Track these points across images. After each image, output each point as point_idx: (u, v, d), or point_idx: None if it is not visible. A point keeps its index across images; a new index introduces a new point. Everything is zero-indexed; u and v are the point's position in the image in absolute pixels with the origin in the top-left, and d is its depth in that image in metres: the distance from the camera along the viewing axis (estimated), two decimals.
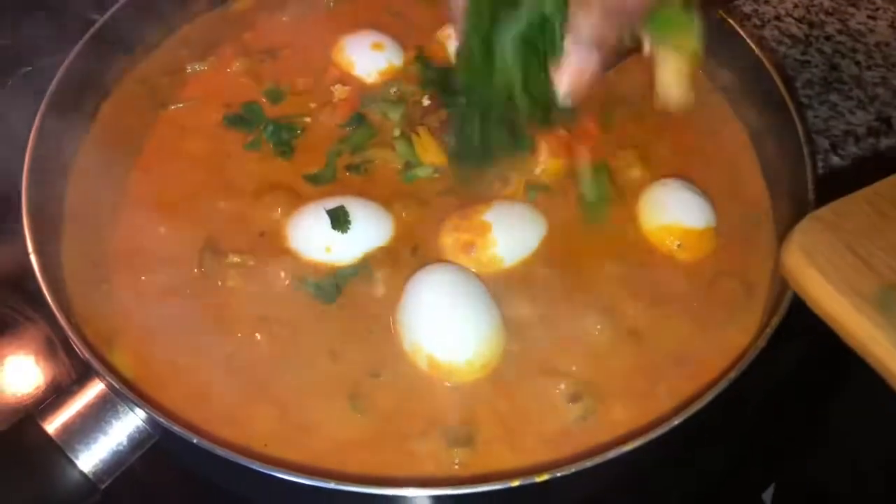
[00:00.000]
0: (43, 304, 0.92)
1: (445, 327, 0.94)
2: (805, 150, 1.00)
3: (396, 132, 1.17)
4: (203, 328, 0.98)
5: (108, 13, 1.17)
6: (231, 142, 1.16)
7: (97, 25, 1.16)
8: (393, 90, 1.21)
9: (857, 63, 1.48)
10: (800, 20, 1.57)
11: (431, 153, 1.11)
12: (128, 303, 1.00)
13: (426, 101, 1.20)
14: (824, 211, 0.82)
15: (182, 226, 1.06)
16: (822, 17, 1.57)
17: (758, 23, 1.56)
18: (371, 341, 0.97)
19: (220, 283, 1.02)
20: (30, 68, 1.40)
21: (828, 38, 1.54)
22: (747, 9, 1.58)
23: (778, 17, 1.58)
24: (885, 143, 1.37)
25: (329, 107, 1.19)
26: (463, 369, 0.93)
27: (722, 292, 1.02)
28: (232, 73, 1.25)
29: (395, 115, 1.19)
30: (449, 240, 1.05)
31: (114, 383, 0.87)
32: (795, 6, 1.59)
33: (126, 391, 0.86)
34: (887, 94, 1.44)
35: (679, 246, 1.04)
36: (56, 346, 1.09)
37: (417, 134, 1.13)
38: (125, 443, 0.87)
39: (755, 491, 1.14)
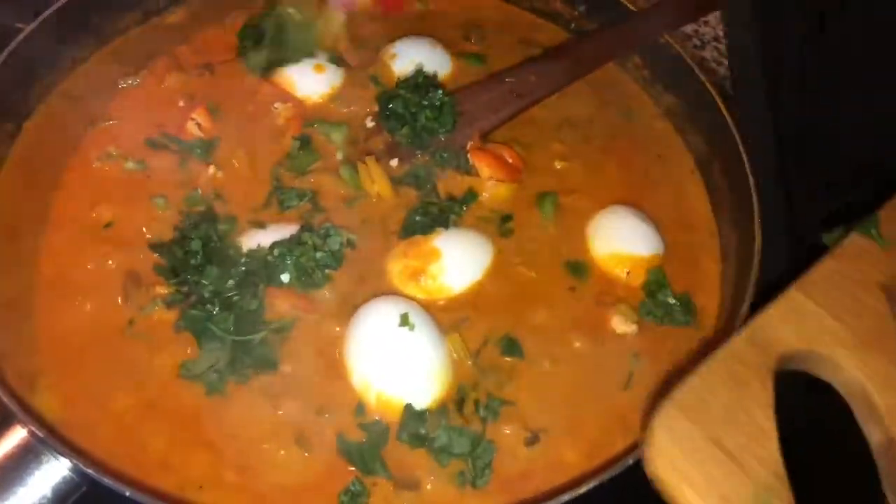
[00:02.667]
0: None
1: (392, 363, 0.92)
2: (750, 179, 1.00)
3: (339, 155, 1.13)
4: (131, 365, 0.93)
5: (31, 26, 1.10)
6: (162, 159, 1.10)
7: (18, 39, 1.08)
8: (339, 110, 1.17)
9: None
10: None
11: (378, 183, 1.08)
12: (52, 338, 0.94)
13: (370, 123, 1.17)
14: (683, 394, 0.71)
15: (106, 253, 1.01)
16: None
17: (698, 43, 1.58)
18: (317, 377, 0.93)
19: (146, 313, 0.96)
20: None
21: None
22: (688, 29, 1.60)
23: (717, 38, 1.60)
24: None
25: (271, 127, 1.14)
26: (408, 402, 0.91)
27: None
28: (166, 88, 1.19)
29: (337, 137, 1.15)
30: (397, 267, 1.02)
31: (37, 431, 0.81)
32: None
33: (51, 439, 0.80)
34: None
35: (628, 273, 1.04)
36: None
37: (363, 162, 1.09)
38: (49, 495, 0.81)
39: None
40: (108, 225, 1.03)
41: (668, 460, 0.68)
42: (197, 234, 1.00)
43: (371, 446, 0.88)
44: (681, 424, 0.70)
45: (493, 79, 1.20)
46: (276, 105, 1.17)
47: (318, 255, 0.98)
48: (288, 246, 0.98)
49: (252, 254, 0.99)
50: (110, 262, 1.00)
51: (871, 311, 0.81)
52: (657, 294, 1.01)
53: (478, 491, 0.86)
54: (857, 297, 0.82)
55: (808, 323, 0.79)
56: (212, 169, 1.09)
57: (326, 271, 0.99)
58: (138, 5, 1.25)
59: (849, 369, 0.78)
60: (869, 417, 0.77)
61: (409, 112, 1.13)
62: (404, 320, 0.93)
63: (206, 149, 1.12)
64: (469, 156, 1.12)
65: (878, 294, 0.82)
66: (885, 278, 0.84)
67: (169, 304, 0.96)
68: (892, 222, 0.88)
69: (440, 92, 1.13)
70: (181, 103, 1.17)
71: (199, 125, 1.13)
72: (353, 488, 0.85)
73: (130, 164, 1.10)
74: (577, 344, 0.98)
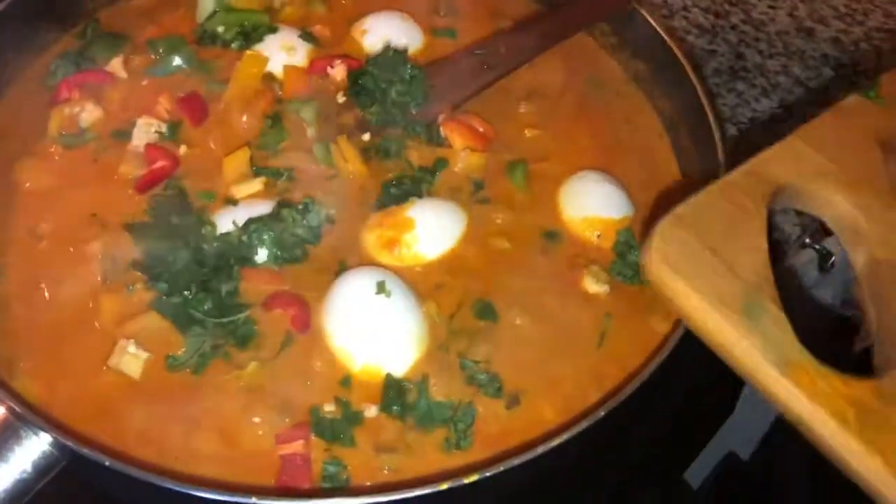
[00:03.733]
0: None
1: (369, 333, 0.93)
2: (716, 136, 1.02)
3: (311, 132, 1.14)
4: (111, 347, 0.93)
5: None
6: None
7: None
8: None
9: (760, 52, 1.53)
10: (706, 10, 1.61)
11: (351, 162, 1.09)
12: (29, 323, 0.95)
13: (340, 99, 1.18)
14: (684, 209, 0.79)
15: (82, 229, 1.01)
16: (727, 7, 1.62)
17: (666, 13, 1.59)
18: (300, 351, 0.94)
19: (128, 291, 0.97)
20: None
21: (733, 27, 1.58)
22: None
23: (685, 8, 1.61)
24: (787, 130, 1.42)
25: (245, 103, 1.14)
26: (388, 370, 0.92)
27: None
28: (133, 72, 1.19)
29: (307, 114, 1.15)
30: (372, 237, 1.03)
31: (15, 407, 0.81)
32: None
33: (30, 415, 0.81)
34: (788, 81, 1.49)
35: (599, 236, 1.05)
36: None
37: (335, 142, 1.10)
38: (29, 469, 0.81)
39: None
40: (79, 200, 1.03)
41: (667, 263, 0.75)
42: (165, 213, 1.01)
43: (345, 421, 0.89)
44: (680, 233, 0.77)
45: (463, 52, 1.21)
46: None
47: (299, 230, 0.98)
48: (266, 222, 0.98)
49: (224, 237, 0.99)
50: (86, 244, 1.00)
51: (865, 157, 0.89)
52: (627, 255, 1.03)
53: (460, 451, 0.88)
54: (853, 146, 0.89)
55: (804, 163, 0.87)
56: (183, 148, 1.09)
57: (305, 247, 1.00)
58: None
59: (840, 203, 0.86)
60: (857, 244, 0.86)
61: (379, 88, 1.14)
62: (380, 288, 0.94)
63: (175, 130, 1.12)
64: (441, 128, 1.13)
65: (874, 146, 0.89)
66: (881, 133, 0.91)
67: (148, 287, 0.96)
68: (893, 84, 0.94)
69: (409, 66, 1.14)
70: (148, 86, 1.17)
71: (166, 109, 1.14)
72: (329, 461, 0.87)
73: (98, 147, 1.10)
74: (550, 305, 0.99)
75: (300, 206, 1.01)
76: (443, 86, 1.16)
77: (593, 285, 1.01)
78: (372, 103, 1.14)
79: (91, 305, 0.96)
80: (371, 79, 1.14)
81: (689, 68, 1.13)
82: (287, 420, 0.89)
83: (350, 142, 1.11)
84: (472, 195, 1.09)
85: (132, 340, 0.92)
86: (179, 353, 0.92)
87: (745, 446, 1.43)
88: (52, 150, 1.10)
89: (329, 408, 0.90)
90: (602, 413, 0.81)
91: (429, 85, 1.14)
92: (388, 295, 0.94)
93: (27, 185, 1.06)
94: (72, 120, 1.12)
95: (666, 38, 1.15)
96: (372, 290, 0.94)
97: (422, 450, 0.88)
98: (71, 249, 1.00)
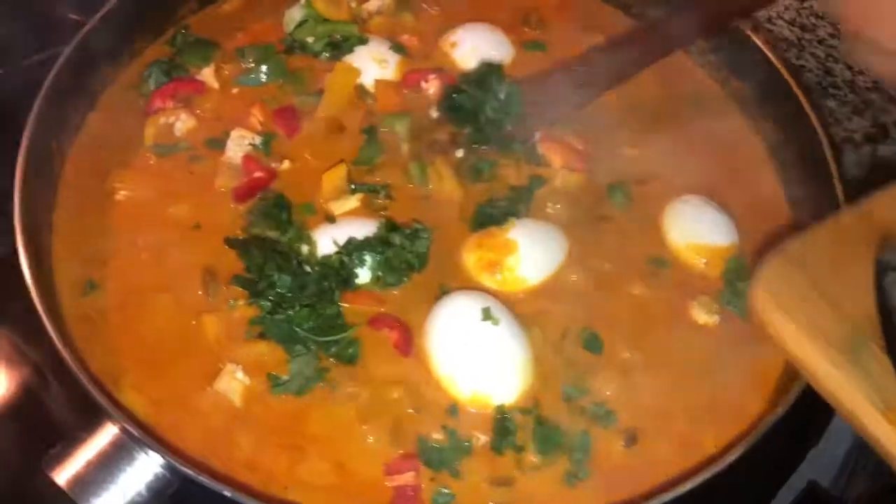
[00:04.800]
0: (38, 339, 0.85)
1: (476, 361, 0.91)
2: (833, 171, 0.99)
3: (405, 148, 1.12)
4: (215, 364, 0.92)
5: (95, 18, 1.09)
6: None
7: (84, 31, 1.07)
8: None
9: (850, 67, 1.49)
10: (791, 23, 1.56)
11: (446, 182, 1.07)
12: (132, 338, 0.94)
13: (433, 114, 1.15)
14: (794, 246, 0.77)
15: (182, 241, 1.00)
16: (813, 20, 1.57)
17: (751, 26, 1.55)
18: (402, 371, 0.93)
19: (229, 307, 0.96)
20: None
21: (820, 41, 1.54)
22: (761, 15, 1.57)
23: (770, 20, 1.57)
24: (882, 150, 1.38)
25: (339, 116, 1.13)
26: (497, 399, 0.90)
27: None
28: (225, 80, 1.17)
29: (400, 127, 1.13)
30: (472, 258, 1.01)
31: (130, 428, 0.80)
32: (786, 8, 1.59)
33: (145, 437, 0.80)
34: (881, 99, 1.45)
35: (706, 263, 1.03)
36: (49, 386, 1.00)
37: (432, 166, 1.08)
38: (144, 492, 0.81)
39: None
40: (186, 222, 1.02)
41: (774, 300, 0.74)
42: (265, 226, 1.00)
43: (453, 450, 0.87)
44: (787, 270, 0.76)
45: (559, 68, 1.18)
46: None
47: (408, 255, 0.97)
48: (372, 245, 0.96)
49: (326, 260, 0.97)
50: (186, 256, 0.99)
51: None
52: (736, 283, 1.00)
53: (575, 487, 0.86)
54: None
55: None
56: (286, 163, 1.08)
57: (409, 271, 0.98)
58: None
59: None
60: None
61: (473, 105, 1.11)
62: (486, 314, 0.92)
63: (268, 143, 1.10)
64: (539, 146, 1.11)
65: None
66: None
67: (250, 302, 0.95)
68: None
69: (506, 83, 1.12)
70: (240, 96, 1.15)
71: (259, 121, 1.12)
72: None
73: (192, 157, 1.09)
74: (658, 336, 0.97)
75: (409, 232, 0.99)
76: (539, 103, 1.13)
77: (703, 315, 0.98)
78: (466, 120, 1.12)
79: (194, 323, 0.94)
80: (466, 96, 1.12)
81: (795, 87, 1.10)
82: (395, 449, 0.87)
83: (445, 160, 1.09)
84: (572, 217, 1.06)
85: (239, 366, 0.91)
86: (284, 375, 0.91)
87: (827, 475, 1.39)
88: (148, 159, 1.09)
89: (437, 436, 0.88)
90: (729, 461, 0.79)
91: (525, 102, 1.12)
92: (496, 322, 0.92)
93: (123, 194, 1.05)
94: (166, 129, 1.11)
95: (774, 60, 1.12)
96: (477, 316, 0.92)
97: (536, 482, 0.86)
98: (170, 261, 0.99)
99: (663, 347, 0.96)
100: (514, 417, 0.89)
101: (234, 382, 0.90)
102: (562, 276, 1.01)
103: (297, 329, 0.92)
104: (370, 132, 1.12)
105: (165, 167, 1.08)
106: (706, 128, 1.17)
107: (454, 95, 1.12)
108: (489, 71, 1.13)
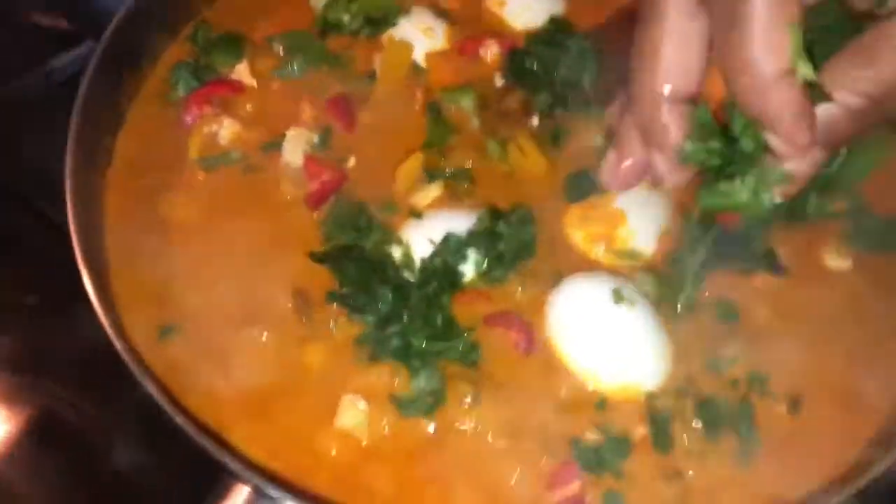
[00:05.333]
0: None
1: (616, 347, 0.83)
2: None
3: (475, 123, 1.02)
4: (327, 397, 0.82)
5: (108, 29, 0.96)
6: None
7: (103, 44, 0.94)
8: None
9: None
10: None
11: (530, 156, 0.97)
12: (229, 380, 0.84)
13: (499, 82, 1.05)
14: None
15: (258, 262, 0.89)
16: None
17: None
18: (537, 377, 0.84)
19: (331, 328, 0.86)
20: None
21: None
22: None
23: None
24: None
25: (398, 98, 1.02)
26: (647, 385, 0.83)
27: None
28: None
29: (466, 103, 1.03)
30: (579, 234, 0.92)
31: (263, 485, 0.72)
32: None
33: (283, 492, 0.71)
34: None
35: None
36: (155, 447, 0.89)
37: (513, 142, 0.97)
38: None
39: None
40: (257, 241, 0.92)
41: None
42: (347, 233, 0.90)
43: (612, 449, 0.80)
44: None
45: (625, 13, 1.08)
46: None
47: (514, 244, 0.88)
48: (475, 239, 0.87)
49: (426, 264, 0.88)
50: (267, 282, 0.89)
51: None
52: (861, 220, 0.93)
53: (750, 467, 0.79)
54: None
55: None
56: (352, 160, 0.97)
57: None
58: None
59: None
60: None
61: (545, 67, 1.02)
62: (618, 296, 0.84)
63: (327, 139, 1.00)
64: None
65: None
66: None
67: (351, 319, 0.86)
68: None
69: (578, 38, 1.02)
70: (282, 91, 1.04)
71: (311, 116, 1.01)
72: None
73: (246, 166, 0.98)
74: (792, 291, 0.90)
75: (515, 217, 0.90)
76: (613, 57, 1.03)
77: (835, 260, 0.91)
78: (537, 84, 1.02)
79: (295, 355, 0.85)
80: (536, 59, 1.02)
81: None
82: (550, 459, 0.79)
83: (523, 132, 0.99)
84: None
85: (358, 395, 0.81)
86: (406, 394, 0.82)
87: None
88: (196, 175, 0.97)
89: (592, 436, 0.81)
90: None
91: (601, 57, 1.02)
92: (631, 303, 0.84)
93: (179, 220, 0.94)
94: (211, 139, 0.99)
95: None
96: (607, 300, 0.84)
97: (709, 468, 0.79)
98: (250, 288, 0.89)
99: (799, 304, 0.89)
100: (668, 401, 0.82)
101: (356, 414, 0.81)
102: (671, 243, 0.93)
103: (411, 341, 0.83)
104: (434, 111, 1.02)
105: (218, 181, 0.97)
106: None
107: (522, 58, 1.02)
108: (557, 27, 1.03)
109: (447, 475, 0.79)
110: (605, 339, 0.83)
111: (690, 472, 0.79)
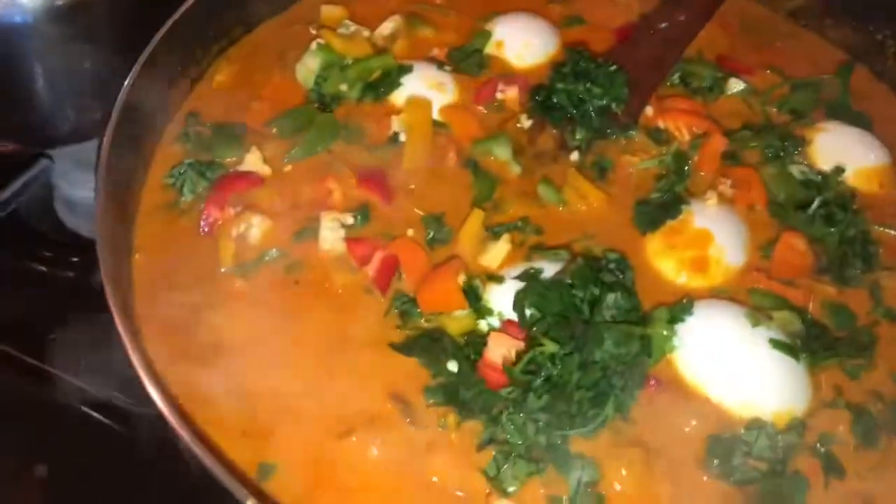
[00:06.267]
0: None
1: (762, 375, 0.78)
2: None
3: (516, 169, 0.95)
4: None
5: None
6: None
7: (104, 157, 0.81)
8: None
9: None
10: None
11: (589, 194, 0.92)
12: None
13: (526, 123, 1.00)
14: None
15: (340, 372, 0.78)
16: None
17: None
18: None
19: (441, 428, 0.76)
20: None
21: None
22: None
23: None
24: None
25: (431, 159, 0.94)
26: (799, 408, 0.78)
27: None
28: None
29: (502, 151, 0.96)
30: (669, 263, 0.87)
31: None
32: None
33: None
34: None
35: (881, 186, 0.95)
36: None
37: (567, 184, 0.93)
38: None
39: None
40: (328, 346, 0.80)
41: None
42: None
43: (775, 474, 0.74)
44: None
45: (643, 31, 1.06)
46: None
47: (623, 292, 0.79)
48: (581, 295, 0.78)
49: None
50: (356, 391, 0.77)
51: None
52: None
53: None
54: None
55: None
56: (410, 232, 0.88)
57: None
58: None
59: None
60: None
61: (574, 101, 0.97)
62: (755, 320, 0.79)
63: (366, 214, 0.90)
64: (658, 120, 0.99)
65: None
66: None
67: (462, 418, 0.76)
68: None
69: (608, 65, 0.97)
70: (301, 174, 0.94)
71: (342, 194, 0.91)
72: None
73: (287, 264, 0.86)
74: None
75: (608, 262, 0.83)
76: (635, 75, 1.00)
77: None
78: (570, 118, 0.98)
79: (419, 467, 0.74)
80: (565, 95, 0.97)
81: None
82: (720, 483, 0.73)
83: (574, 172, 0.94)
84: (724, 183, 0.95)
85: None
86: (565, 495, 0.73)
87: None
88: (233, 285, 0.85)
89: (756, 464, 0.74)
90: None
91: (624, 78, 0.99)
92: (768, 325, 0.79)
93: (229, 345, 0.80)
94: (242, 242, 0.87)
95: None
96: (742, 326, 0.79)
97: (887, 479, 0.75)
98: (337, 398, 0.77)
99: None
100: (822, 420, 0.77)
101: None
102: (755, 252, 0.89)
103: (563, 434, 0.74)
104: (473, 165, 0.95)
105: (261, 287, 0.85)
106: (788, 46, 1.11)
107: (548, 94, 0.98)
108: (579, 57, 0.98)
109: None
110: (751, 368, 0.77)
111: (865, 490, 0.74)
